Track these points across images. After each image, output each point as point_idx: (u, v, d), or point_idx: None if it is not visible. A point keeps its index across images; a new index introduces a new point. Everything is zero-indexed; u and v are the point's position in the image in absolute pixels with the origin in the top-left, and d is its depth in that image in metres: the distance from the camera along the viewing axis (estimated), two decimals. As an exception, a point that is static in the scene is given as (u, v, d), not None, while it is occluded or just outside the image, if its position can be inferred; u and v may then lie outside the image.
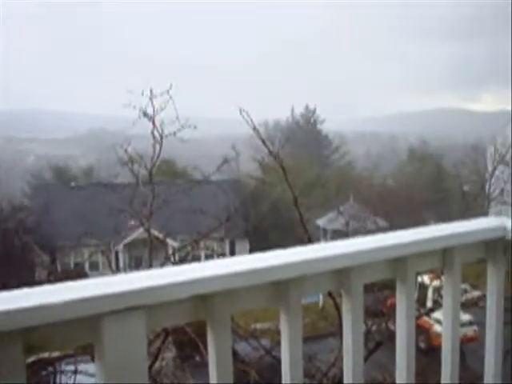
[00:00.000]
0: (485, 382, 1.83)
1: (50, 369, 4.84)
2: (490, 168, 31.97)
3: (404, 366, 1.60)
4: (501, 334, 1.80)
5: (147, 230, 6.26)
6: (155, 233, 7.29)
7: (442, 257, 1.66)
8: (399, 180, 41.96)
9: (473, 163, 37.33)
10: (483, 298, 1.89)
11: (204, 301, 1.24)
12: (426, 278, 15.66)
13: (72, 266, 27.13)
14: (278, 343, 1.42)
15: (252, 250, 28.20)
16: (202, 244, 7.28)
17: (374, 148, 73.45)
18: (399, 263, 1.56)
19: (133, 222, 7.22)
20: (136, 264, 24.96)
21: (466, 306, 8.43)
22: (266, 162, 31.32)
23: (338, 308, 4.84)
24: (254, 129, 5.78)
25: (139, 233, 18.70)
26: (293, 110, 60.96)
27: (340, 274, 1.45)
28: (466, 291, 10.18)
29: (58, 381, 4.79)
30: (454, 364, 1.71)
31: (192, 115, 9.08)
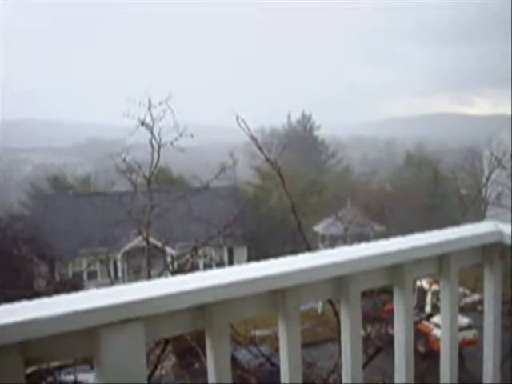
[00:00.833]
0: None
1: (50, 379, 4.82)
2: (486, 172, 31.99)
3: (403, 370, 1.61)
4: (498, 337, 1.81)
5: (146, 239, 6.27)
6: (154, 241, 7.28)
7: (439, 263, 1.67)
8: (396, 185, 41.88)
9: (470, 167, 37.34)
10: (482, 301, 1.89)
11: (202, 311, 1.24)
12: (424, 283, 15.68)
13: (70, 275, 27.00)
14: (278, 349, 1.42)
15: (250, 257, 28.15)
16: (200, 252, 7.28)
17: (370, 153, 73.37)
18: (396, 270, 1.56)
19: (131, 231, 7.24)
20: (134, 272, 24.90)
21: (464, 309, 8.43)
22: (264, 168, 31.36)
23: (336, 314, 4.85)
24: (252, 138, 5.79)
25: (138, 241, 18.68)
26: (289, 117, 61.03)
27: (338, 282, 1.45)
28: (465, 295, 10.18)
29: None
30: (453, 368, 1.71)
31: (189, 122, 9.09)
